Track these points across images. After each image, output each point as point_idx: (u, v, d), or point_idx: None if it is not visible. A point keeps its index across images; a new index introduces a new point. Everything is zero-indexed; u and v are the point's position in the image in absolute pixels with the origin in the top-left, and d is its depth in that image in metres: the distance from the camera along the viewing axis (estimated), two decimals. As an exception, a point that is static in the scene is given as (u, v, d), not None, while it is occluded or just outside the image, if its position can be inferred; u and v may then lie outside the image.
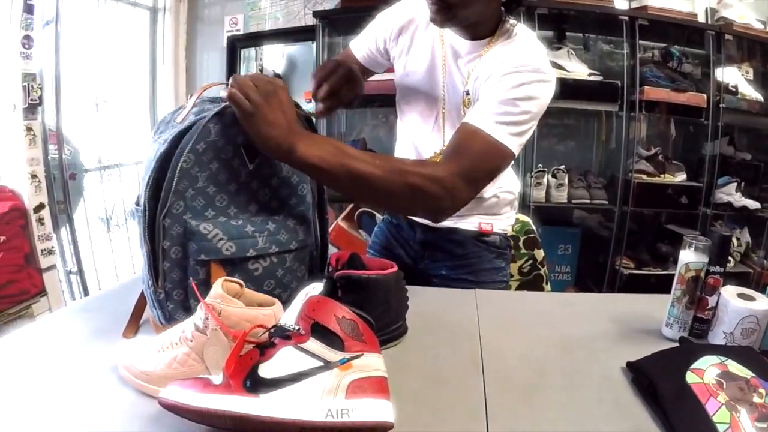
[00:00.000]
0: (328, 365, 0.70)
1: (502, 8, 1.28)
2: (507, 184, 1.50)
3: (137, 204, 0.98)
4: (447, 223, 1.41)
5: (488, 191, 1.43)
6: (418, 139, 1.47)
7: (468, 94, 1.31)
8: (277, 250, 1.01)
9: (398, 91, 1.51)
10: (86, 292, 3.27)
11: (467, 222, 1.47)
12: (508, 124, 1.15)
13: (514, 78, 1.17)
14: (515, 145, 1.17)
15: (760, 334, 1.03)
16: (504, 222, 1.53)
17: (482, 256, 1.50)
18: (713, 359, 0.90)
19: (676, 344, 1.04)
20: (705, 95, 3.26)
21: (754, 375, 0.85)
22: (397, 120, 1.57)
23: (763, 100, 3.40)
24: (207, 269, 0.93)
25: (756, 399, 0.81)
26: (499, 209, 1.51)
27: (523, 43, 1.26)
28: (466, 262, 1.50)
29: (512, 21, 1.29)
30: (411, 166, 1.13)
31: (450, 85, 1.35)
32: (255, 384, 0.69)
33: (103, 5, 3.42)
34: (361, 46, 1.53)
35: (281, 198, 1.06)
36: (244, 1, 3.84)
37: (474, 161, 1.15)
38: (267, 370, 0.70)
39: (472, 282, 1.46)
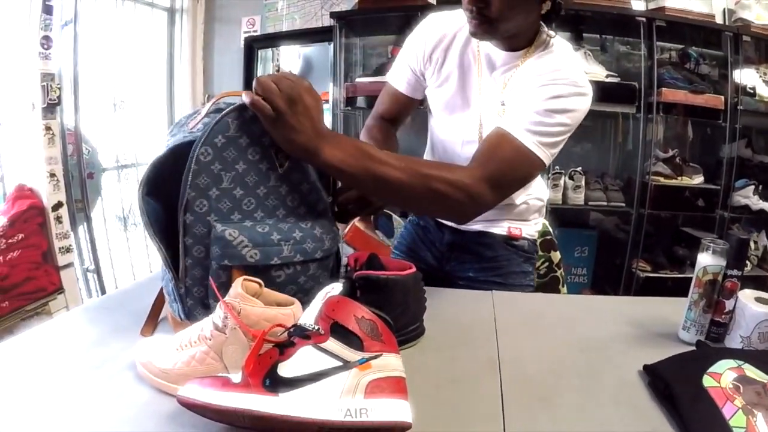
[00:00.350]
0: (347, 365, 0.70)
1: (541, 20, 1.27)
2: (537, 191, 1.49)
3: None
4: (476, 226, 1.41)
5: (519, 198, 1.42)
6: (451, 149, 1.46)
7: (503, 104, 1.29)
8: (301, 259, 0.99)
9: (431, 102, 1.49)
10: (103, 290, 3.30)
11: (497, 226, 1.47)
12: (541, 134, 1.15)
13: (551, 90, 1.16)
14: (546, 155, 1.16)
15: None
16: (532, 227, 1.53)
17: (511, 260, 1.50)
18: (730, 363, 0.89)
19: (693, 348, 1.03)
20: (722, 97, 3.23)
21: None
22: (428, 128, 1.56)
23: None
24: (229, 273, 0.92)
25: None
26: (528, 215, 1.51)
27: (561, 55, 1.25)
28: (496, 265, 1.50)
29: (549, 32, 1.29)
30: (435, 170, 1.12)
31: (485, 96, 1.34)
32: (274, 383, 0.69)
33: (120, 6, 3.45)
34: (399, 77, 1.50)
35: (309, 203, 1.05)
36: (262, 3, 3.86)
37: (502, 167, 1.15)
38: (286, 369, 0.70)
39: (500, 284, 1.46)
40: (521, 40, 1.27)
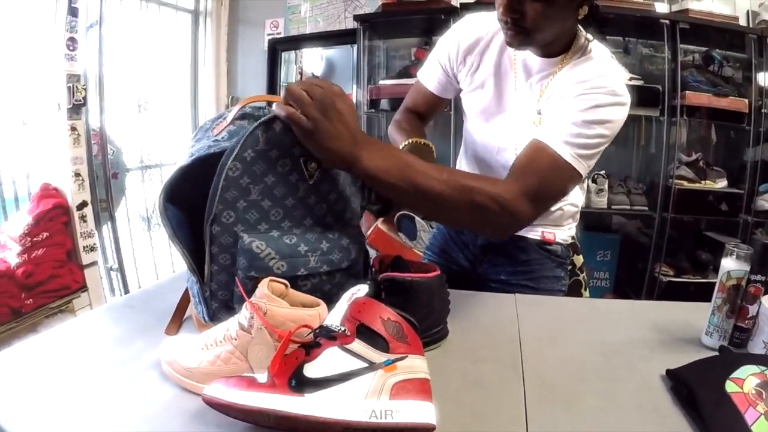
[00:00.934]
0: (372, 366, 0.71)
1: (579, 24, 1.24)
2: (572, 197, 1.47)
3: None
4: None
5: (555, 205, 1.40)
6: (487, 155, 1.44)
7: (540, 113, 1.27)
8: (328, 270, 0.99)
9: (465, 106, 1.47)
10: (126, 289, 3.34)
11: (532, 231, 1.46)
12: (579, 147, 1.12)
13: (590, 99, 1.13)
14: (583, 167, 1.14)
15: None
16: (566, 232, 1.51)
17: (544, 264, 1.49)
18: (753, 369, 0.88)
19: (716, 353, 1.02)
20: (746, 100, 3.18)
21: None
22: (461, 136, 1.55)
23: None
24: (255, 283, 0.91)
25: None
26: (563, 221, 1.49)
27: (600, 63, 1.22)
28: (529, 269, 1.49)
29: (588, 36, 1.26)
30: (477, 183, 1.09)
31: (521, 103, 1.32)
32: (300, 383, 0.69)
33: (145, 9, 3.49)
34: (430, 76, 1.49)
35: (336, 213, 1.04)
36: (285, 5, 3.88)
37: (541, 181, 1.12)
38: (312, 369, 0.71)
39: (532, 288, 1.45)
40: (558, 46, 1.25)
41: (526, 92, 1.31)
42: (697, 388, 0.87)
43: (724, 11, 3.20)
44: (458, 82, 1.44)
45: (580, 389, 0.92)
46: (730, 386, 0.85)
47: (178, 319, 1.08)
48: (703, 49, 3.38)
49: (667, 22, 3.14)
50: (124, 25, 3.33)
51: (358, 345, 0.72)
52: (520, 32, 1.14)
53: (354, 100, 3.46)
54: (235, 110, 1.00)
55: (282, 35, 3.91)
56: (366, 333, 0.73)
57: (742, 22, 3.34)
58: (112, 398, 0.82)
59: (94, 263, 3.06)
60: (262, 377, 0.72)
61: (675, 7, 3.29)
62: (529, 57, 1.29)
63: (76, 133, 2.91)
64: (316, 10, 3.79)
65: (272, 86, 3.85)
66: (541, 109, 1.27)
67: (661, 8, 3.30)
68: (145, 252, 3.60)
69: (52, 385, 0.85)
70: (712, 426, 0.80)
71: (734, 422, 0.79)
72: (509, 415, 0.84)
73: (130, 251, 3.46)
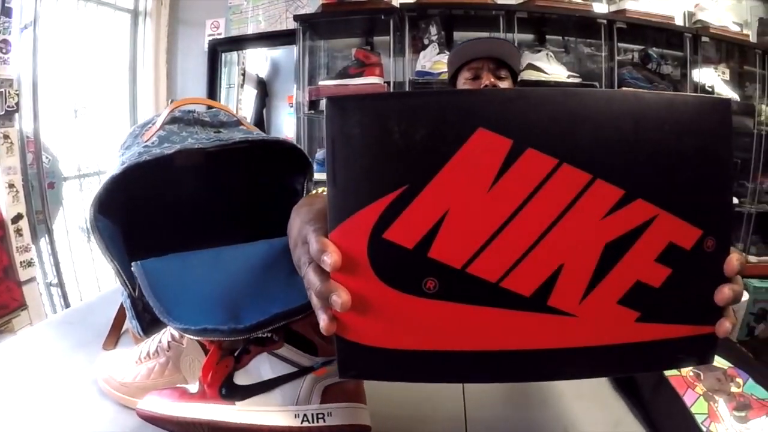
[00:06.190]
0: (302, 371, 0.70)
1: None
2: None
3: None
4: None
5: None
6: None
7: None
8: None
9: None
10: (67, 304, 3.22)
11: None
12: None
13: None
14: None
15: (738, 325, 1.04)
16: None
17: None
18: None
19: None
20: (681, 96, 3.28)
21: (731, 365, 0.88)
22: None
23: (739, 99, 3.47)
24: None
25: (733, 389, 0.84)
26: None
27: None
28: None
29: None
30: None
31: None
32: (231, 391, 0.69)
33: (83, 8, 3.39)
34: None
35: None
36: (226, 5, 3.82)
37: None
38: (242, 377, 0.70)
39: None
40: None
41: None
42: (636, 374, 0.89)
43: (661, 11, 3.31)
44: None
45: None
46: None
47: (115, 334, 1.06)
48: (642, 47, 3.48)
49: (604, 21, 3.23)
50: (60, 25, 3.21)
51: (287, 350, 0.71)
52: None
53: (294, 102, 3.45)
54: (164, 114, 0.97)
55: (223, 36, 3.84)
56: (295, 338, 0.73)
57: (679, 21, 3.47)
58: (51, 417, 0.80)
59: (32, 279, 2.93)
60: (194, 387, 0.71)
61: (613, 8, 3.39)
62: None
63: (9, 141, 2.80)
64: (257, 10, 3.74)
65: (212, 88, 3.79)
66: None
67: (601, 8, 3.39)
68: (86, 265, 3.48)
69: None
70: (651, 410, 0.84)
71: (674, 405, 0.82)
72: (448, 411, 0.85)
73: (70, 265, 3.35)
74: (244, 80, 4.02)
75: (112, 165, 0.95)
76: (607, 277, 0.53)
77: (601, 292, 0.53)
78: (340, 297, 0.51)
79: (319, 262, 0.52)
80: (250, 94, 4.08)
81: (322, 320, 0.53)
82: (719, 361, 0.89)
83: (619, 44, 3.29)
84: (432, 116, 0.50)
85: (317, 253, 0.52)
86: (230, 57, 4.03)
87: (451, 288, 0.52)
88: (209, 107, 1.05)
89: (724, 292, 0.54)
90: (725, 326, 0.55)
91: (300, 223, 0.63)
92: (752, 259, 3.51)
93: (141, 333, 0.97)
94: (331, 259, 0.51)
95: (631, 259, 0.52)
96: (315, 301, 0.54)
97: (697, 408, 0.80)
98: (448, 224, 0.51)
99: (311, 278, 0.54)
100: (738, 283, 0.56)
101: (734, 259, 0.55)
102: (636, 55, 3.50)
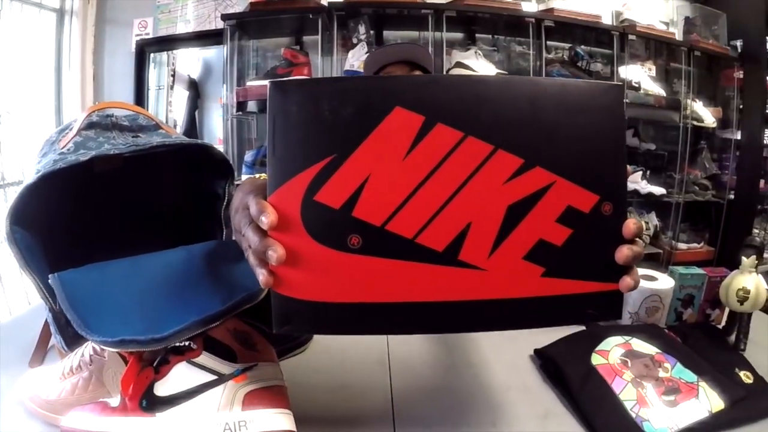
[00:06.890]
0: (222, 378, 0.71)
1: None
2: None
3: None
4: None
5: None
6: None
7: None
8: None
9: None
10: (-6, 321, 3.11)
11: None
12: None
13: None
14: None
15: (665, 312, 1.12)
16: None
17: None
18: (618, 339, 0.96)
19: (583, 328, 1.08)
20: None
21: (659, 351, 0.93)
22: None
23: (665, 94, 3.60)
24: None
25: (661, 374, 0.87)
26: None
27: None
28: None
29: None
30: None
31: None
32: (151, 403, 0.69)
33: (6, 7, 3.25)
34: None
35: None
36: (154, 4, 3.72)
37: None
38: (162, 388, 0.70)
39: None
40: None
41: None
42: (564, 365, 0.92)
43: (589, 10, 3.39)
44: None
45: (446, 378, 0.95)
46: (595, 359, 0.92)
47: (41, 351, 1.02)
48: (570, 45, 3.57)
49: (533, 20, 3.29)
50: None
51: (205, 358, 0.72)
52: None
53: (224, 103, 3.40)
54: (81, 119, 0.95)
55: (151, 36, 3.74)
56: (214, 345, 0.73)
57: (607, 20, 3.57)
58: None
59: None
60: (116, 401, 0.71)
61: (541, 7, 3.46)
62: None
63: (-74, 149, 2.69)
64: (185, 9, 3.66)
65: (140, 90, 3.68)
66: None
67: (530, 8, 3.45)
68: (13, 278, 3.36)
69: None
70: (580, 400, 0.86)
71: (602, 393, 0.85)
72: (376, 410, 0.86)
73: (-5, 279, 3.22)
74: (174, 81, 3.93)
75: (29, 173, 0.92)
76: (512, 234, 0.61)
77: (507, 249, 0.61)
78: (276, 251, 0.58)
79: (258, 222, 0.59)
80: (182, 95, 3.98)
81: (261, 275, 0.59)
82: (646, 348, 0.93)
83: (549, 42, 3.38)
84: (357, 97, 0.60)
85: (257, 213, 0.59)
86: (160, 57, 3.91)
87: (373, 243, 0.60)
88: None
89: (623, 252, 0.62)
90: (627, 282, 0.62)
91: (242, 194, 0.69)
92: (681, 246, 3.71)
93: (65, 348, 0.95)
94: (268, 218, 0.58)
95: (532, 219, 0.61)
96: (252, 260, 0.61)
97: (626, 395, 0.84)
98: (370, 187, 0.60)
99: (250, 236, 0.61)
100: (638, 245, 0.63)
101: (631, 223, 0.62)
102: (565, 53, 3.58)
